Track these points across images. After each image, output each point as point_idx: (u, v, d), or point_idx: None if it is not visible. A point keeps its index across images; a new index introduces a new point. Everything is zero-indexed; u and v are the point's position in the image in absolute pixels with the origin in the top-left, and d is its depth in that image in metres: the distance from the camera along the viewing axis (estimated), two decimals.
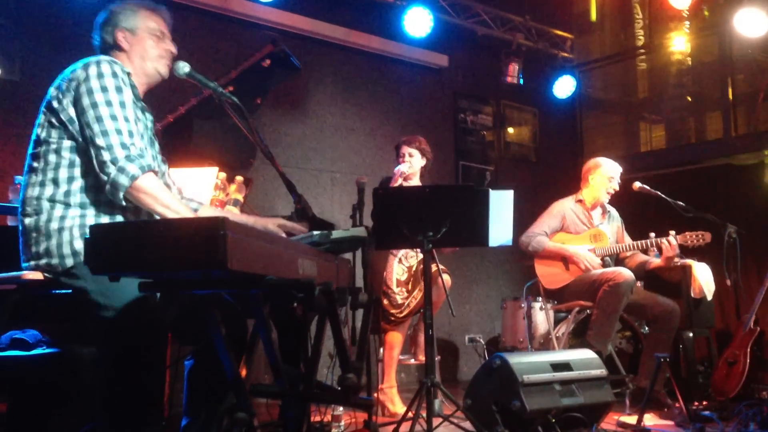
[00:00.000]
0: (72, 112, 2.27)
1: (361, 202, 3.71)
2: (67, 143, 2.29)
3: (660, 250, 4.62)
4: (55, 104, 2.30)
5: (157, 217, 2.23)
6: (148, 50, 2.52)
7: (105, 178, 2.20)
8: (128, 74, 2.41)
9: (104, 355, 2.18)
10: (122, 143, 2.22)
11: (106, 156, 2.20)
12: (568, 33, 7.61)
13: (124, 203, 2.24)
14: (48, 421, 2.19)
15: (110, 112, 2.24)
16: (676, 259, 4.90)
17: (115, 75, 2.30)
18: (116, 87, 2.29)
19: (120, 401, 2.03)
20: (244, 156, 4.31)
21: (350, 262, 3.05)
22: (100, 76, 2.28)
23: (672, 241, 4.56)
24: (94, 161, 2.22)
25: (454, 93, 6.99)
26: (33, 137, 2.36)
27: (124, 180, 2.19)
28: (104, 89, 2.26)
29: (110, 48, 2.51)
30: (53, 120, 2.30)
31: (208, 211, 2.70)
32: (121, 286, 1.99)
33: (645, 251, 4.76)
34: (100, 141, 2.21)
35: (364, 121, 6.32)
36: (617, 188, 4.90)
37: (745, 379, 4.36)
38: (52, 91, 2.35)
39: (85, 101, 2.25)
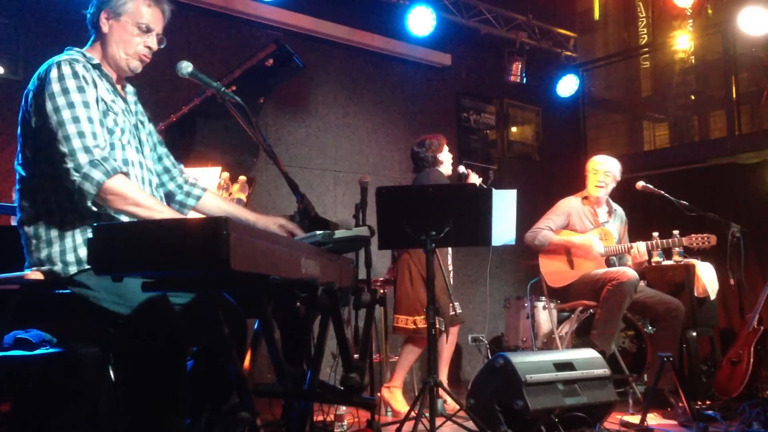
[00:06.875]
0: (41, 125, 2.17)
1: (364, 202, 3.71)
2: (52, 155, 2.18)
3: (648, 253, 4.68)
4: (27, 117, 2.22)
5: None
6: (125, 41, 2.33)
7: (71, 186, 2.10)
8: (97, 66, 2.30)
9: (117, 361, 2.15)
10: (85, 147, 2.10)
11: (69, 163, 2.09)
12: (571, 32, 7.60)
13: (95, 209, 2.14)
14: (51, 422, 2.19)
15: (72, 114, 2.12)
16: (678, 258, 4.91)
17: (75, 75, 2.18)
18: (78, 87, 2.17)
19: (139, 407, 2.00)
20: (247, 155, 4.31)
21: (353, 261, 3.05)
22: (60, 78, 2.17)
23: (641, 248, 4.60)
24: (61, 170, 2.10)
25: (457, 92, 6.99)
26: (18, 148, 2.28)
27: (89, 187, 2.08)
28: (65, 91, 2.15)
29: (92, 28, 2.37)
30: (32, 136, 2.22)
31: (211, 198, 2.66)
32: (126, 290, 1.96)
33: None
34: (63, 148, 2.10)
35: (367, 120, 6.32)
36: (607, 182, 4.83)
37: (749, 378, 4.35)
38: (23, 101, 2.25)
39: (48, 107, 2.14)
